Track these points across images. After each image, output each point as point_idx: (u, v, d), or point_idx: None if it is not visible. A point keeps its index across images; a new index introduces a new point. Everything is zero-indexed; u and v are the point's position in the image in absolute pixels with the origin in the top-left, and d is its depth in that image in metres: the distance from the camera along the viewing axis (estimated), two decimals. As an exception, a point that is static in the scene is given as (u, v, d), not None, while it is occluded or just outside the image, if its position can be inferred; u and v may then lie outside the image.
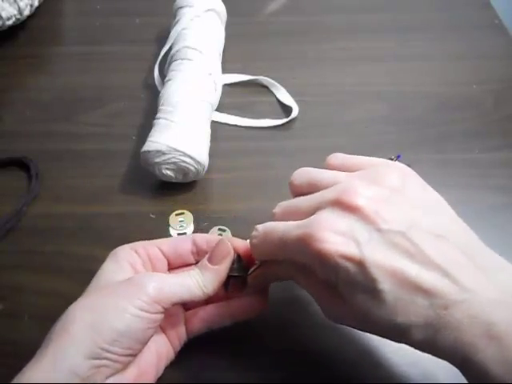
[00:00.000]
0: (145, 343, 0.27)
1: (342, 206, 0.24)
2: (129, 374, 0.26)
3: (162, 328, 0.30)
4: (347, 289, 0.24)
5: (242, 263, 0.30)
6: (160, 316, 0.26)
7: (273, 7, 0.61)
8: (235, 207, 0.41)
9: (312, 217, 0.25)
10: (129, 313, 0.25)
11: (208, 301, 0.29)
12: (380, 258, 0.22)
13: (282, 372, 0.32)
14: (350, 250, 0.23)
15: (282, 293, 0.36)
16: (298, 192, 0.29)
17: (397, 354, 0.32)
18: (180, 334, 0.31)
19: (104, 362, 0.24)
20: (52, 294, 0.36)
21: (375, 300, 0.22)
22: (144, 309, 0.25)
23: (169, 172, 0.40)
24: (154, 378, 0.29)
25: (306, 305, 0.35)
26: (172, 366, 0.30)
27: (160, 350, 0.29)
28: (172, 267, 0.32)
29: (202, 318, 0.31)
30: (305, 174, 0.29)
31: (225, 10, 0.52)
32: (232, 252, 0.29)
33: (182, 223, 0.39)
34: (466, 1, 0.60)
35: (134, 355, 0.26)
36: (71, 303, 0.27)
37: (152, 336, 0.27)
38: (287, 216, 0.27)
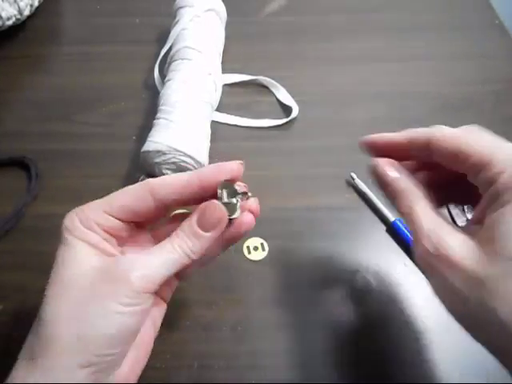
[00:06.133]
0: (138, 331, 0.25)
1: None
2: (128, 358, 0.25)
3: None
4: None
5: (232, 190, 0.26)
6: (150, 301, 0.24)
7: (272, 7, 0.61)
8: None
9: None
10: (117, 313, 0.23)
11: None
12: None
13: (281, 372, 0.32)
14: None
15: (282, 293, 0.36)
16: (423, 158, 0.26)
17: (399, 354, 0.32)
18: (171, 285, 0.29)
19: (101, 366, 0.23)
20: (52, 294, 0.36)
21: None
22: (132, 304, 0.23)
23: (169, 172, 0.40)
24: (151, 343, 0.27)
25: (307, 306, 0.35)
26: (172, 366, 0.30)
27: (153, 314, 0.27)
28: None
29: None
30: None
31: (225, 10, 0.52)
32: (226, 217, 0.26)
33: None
34: (466, 1, 0.60)
35: (130, 345, 0.25)
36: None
37: (144, 321, 0.25)
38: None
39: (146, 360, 0.27)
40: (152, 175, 0.41)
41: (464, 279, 0.21)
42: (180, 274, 0.28)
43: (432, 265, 0.23)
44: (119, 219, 0.26)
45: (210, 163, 0.41)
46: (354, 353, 0.33)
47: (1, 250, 0.39)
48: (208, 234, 0.25)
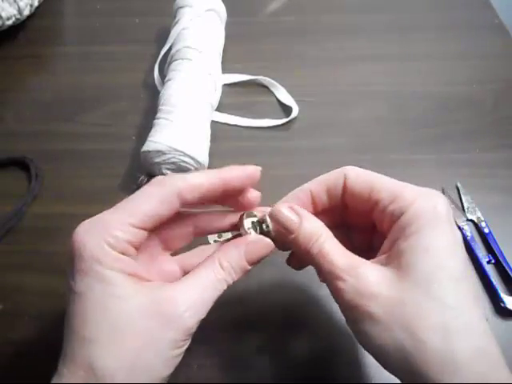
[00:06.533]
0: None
1: None
2: None
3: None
4: None
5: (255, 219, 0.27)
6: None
7: (273, 7, 0.61)
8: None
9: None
10: (174, 357, 0.23)
11: None
12: None
13: (282, 371, 0.32)
14: None
15: (282, 293, 0.36)
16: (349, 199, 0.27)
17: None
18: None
19: None
20: (52, 294, 0.36)
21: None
22: (186, 343, 0.23)
23: (169, 172, 0.40)
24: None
25: (307, 306, 0.35)
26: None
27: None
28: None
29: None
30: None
31: (225, 10, 0.52)
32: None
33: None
34: (466, 1, 0.60)
35: None
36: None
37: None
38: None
39: None
40: (152, 175, 0.41)
41: (384, 307, 0.22)
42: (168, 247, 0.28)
43: (352, 298, 0.23)
44: (143, 228, 0.23)
45: (209, 163, 0.41)
46: (357, 351, 0.33)
47: (1, 250, 0.39)
48: (251, 267, 0.26)
